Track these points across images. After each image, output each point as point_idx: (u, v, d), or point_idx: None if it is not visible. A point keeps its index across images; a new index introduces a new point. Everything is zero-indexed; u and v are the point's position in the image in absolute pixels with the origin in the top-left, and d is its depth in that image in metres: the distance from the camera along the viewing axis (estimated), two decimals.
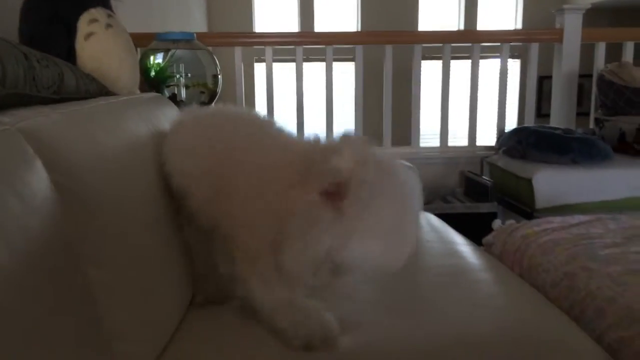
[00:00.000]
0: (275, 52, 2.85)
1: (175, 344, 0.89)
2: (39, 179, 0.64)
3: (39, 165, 0.65)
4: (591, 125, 3.06)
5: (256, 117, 1.04)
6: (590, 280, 1.06)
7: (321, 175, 0.77)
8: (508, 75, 2.97)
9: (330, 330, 0.87)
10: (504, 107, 3.00)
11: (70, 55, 1.31)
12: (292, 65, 2.89)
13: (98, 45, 1.33)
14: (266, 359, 0.86)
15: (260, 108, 5.30)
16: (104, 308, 0.70)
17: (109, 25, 1.37)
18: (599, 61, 2.92)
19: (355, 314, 0.99)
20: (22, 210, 0.59)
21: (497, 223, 1.51)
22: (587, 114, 3.23)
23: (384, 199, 0.77)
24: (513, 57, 5.20)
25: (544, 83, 5.01)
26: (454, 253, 1.31)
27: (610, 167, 2.37)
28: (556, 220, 1.41)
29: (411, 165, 1.91)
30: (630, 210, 2.41)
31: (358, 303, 1.04)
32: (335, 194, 0.76)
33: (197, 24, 4.75)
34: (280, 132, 0.98)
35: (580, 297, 1.05)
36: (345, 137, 0.83)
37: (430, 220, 1.65)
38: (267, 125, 1.00)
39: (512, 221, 1.46)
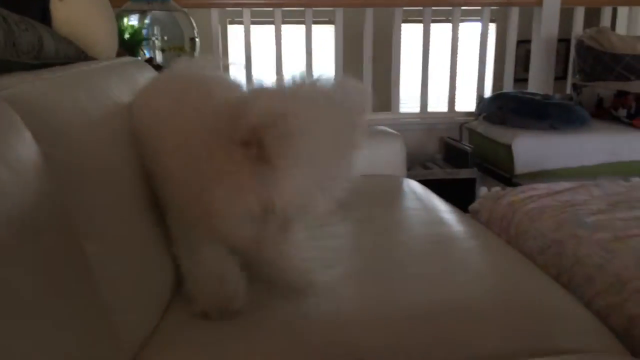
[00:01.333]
0: (252, 14, 2.77)
1: (169, 319, 0.87)
2: (28, 150, 0.61)
3: (28, 136, 0.61)
4: (568, 90, 3.08)
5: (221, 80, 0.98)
6: (579, 247, 1.08)
7: (234, 127, 0.73)
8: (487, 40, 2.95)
9: (231, 301, 0.84)
10: (484, 73, 2.99)
11: (45, 17, 1.24)
12: (269, 27, 2.82)
13: (74, 7, 1.26)
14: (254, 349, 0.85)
15: (236, 72, 5.20)
16: (100, 280, 0.68)
17: None
18: (578, 26, 2.92)
19: (339, 282, 0.98)
20: (15, 182, 0.55)
21: (483, 190, 1.52)
22: (563, 78, 3.25)
23: (308, 144, 0.72)
24: (490, 21, 5.17)
25: (518, 48, 5.02)
26: (441, 220, 1.32)
27: (588, 133, 2.40)
28: (541, 187, 1.42)
29: (396, 132, 1.91)
30: (608, 175, 2.45)
31: (342, 271, 1.04)
32: (253, 144, 0.71)
33: None
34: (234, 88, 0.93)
35: (569, 264, 1.07)
36: (256, 90, 0.81)
37: (414, 188, 1.65)
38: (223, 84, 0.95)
39: (497, 188, 1.47)
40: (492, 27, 5.55)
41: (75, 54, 1.13)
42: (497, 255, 1.12)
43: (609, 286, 0.96)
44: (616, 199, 1.32)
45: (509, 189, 1.46)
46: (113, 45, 1.36)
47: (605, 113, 2.54)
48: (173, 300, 0.90)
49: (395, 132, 1.90)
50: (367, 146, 1.87)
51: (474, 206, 1.48)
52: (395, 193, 1.61)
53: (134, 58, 1.42)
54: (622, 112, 2.44)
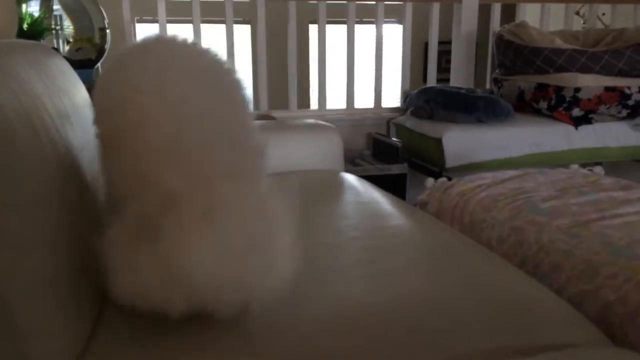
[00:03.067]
0: (169, 11, 2.59)
1: (98, 342, 0.72)
2: None
3: None
4: (487, 85, 3.15)
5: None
6: (541, 234, 1.04)
7: None
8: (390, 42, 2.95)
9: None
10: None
11: None
12: (184, 27, 2.64)
13: None
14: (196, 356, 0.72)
15: None
16: (13, 301, 0.53)
17: None
18: (495, 22, 2.99)
19: (304, 283, 0.88)
20: None
21: (429, 181, 1.46)
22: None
23: None
24: (399, 22, 5.27)
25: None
26: (391, 214, 1.24)
27: (512, 126, 2.44)
28: (488, 176, 1.39)
29: (331, 125, 1.82)
30: (533, 166, 2.51)
31: (305, 273, 0.93)
32: None
33: None
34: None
35: (532, 252, 1.02)
36: None
37: (354, 182, 1.57)
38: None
39: (444, 179, 1.42)
40: (400, 28, 5.71)
41: None
42: (457, 247, 1.05)
43: (580, 273, 0.91)
44: (562, 185, 1.30)
45: (455, 179, 1.42)
46: (13, 25, 1.17)
47: (527, 106, 2.60)
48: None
49: (329, 124, 1.81)
50: (302, 140, 1.77)
51: (421, 198, 1.42)
52: (336, 188, 1.52)
53: (39, 42, 1.23)
54: (543, 105, 2.50)
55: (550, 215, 1.09)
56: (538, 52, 2.50)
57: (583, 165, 1.75)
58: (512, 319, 0.81)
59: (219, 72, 0.84)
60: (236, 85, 0.84)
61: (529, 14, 3.14)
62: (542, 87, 2.51)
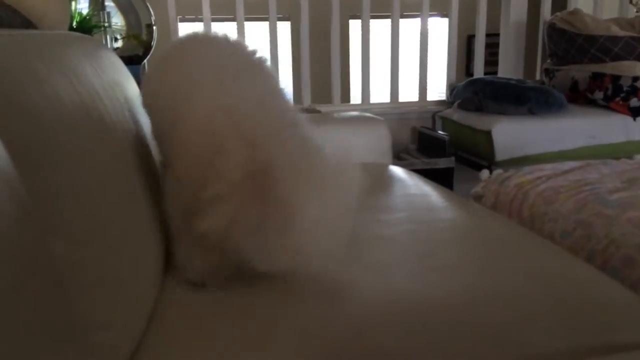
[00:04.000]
0: (212, 9, 2.59)
1: (153, 331, 0.70)
2: None
3: None
4: (537, 76, 3.04)
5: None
6: (611, 227, 0.97)
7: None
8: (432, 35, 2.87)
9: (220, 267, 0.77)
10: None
11: None
12: (228, 25, 2.64)
13: None
14: (252, 346, 0.70)
15: None
16: (74, 291, 0.51)
17: None
18: (546, 10, 2.88)
19: (355, 278, 0.84)
20: None
21: (485, 173, 1.41)
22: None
23: None
24: (444, 16, 5.16)
25: (471, 42, 5.00)
26: (448, 207, 1.19)
27: (565, 117, 2.35)
28: (547, 168, 1.32)
29: (379, 117, 1.78)
30: (588, 160, 2.41)
31: (362, 265, 0.90)
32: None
33: None
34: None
35: (602, 247, 0.96)
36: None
37: (403, 175, 1.52)
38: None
39: (500, 170, 1.36)
40: (442, 22, 5.60)
41: (20, 24, 0.95)
42: (520, 240, 1.00)
43: None
44: (628, 176, 1.23)
45: (512, 170, 1.36)
46: (65, 18, 1.17)
47: (581, 96, 2.49)
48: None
49: (377, 117, 1.77)
50: (350, 133, 1.72)
51: (476, 190, 1.36)
52: (386, 181, 1.48)
53: (90, 36, 1.23)
54: (599, 95, 2.40)
55: (620, 207, 1.02)
56: (593, 40, 2.39)
57: None
58: (585, 316, 0.76)
59: (258, 66, 0.87)
60: (274, 79, 0.87)
61: (581, 2, 3.02)
62: (597, 77, 2.41)
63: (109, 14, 2.01)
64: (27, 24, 0.99)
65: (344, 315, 0.74)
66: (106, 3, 1.95)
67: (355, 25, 5.42)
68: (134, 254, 0.69)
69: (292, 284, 0.82)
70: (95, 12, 1.97)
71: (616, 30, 2.39)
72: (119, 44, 1.99)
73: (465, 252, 0.93)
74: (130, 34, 2.06)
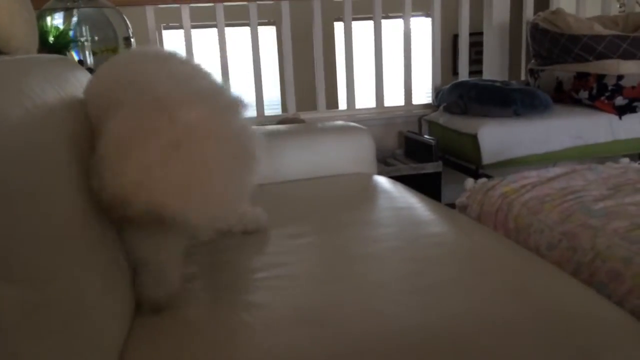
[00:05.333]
0: (194, 17, 2.56)
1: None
2: None
3: None
4: (523, 76, 3.03)
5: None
6: (596, 239, 0.95)
7: None
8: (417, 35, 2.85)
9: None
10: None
11: None
12: (208, 31, 2.60)
13: None
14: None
15: None
16: (20, 339, 0.48)
17: None
18: (528, 10, 2.87)
19: (344, 299, 0.82)
20: None
21: (469, 183, 1.38)
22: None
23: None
24: (427, 15, 5.14)
25: (457, 41, 4.97)
26: (431, 220, 1.17)
27: (551, 118, 2.33)
28: (532, 175, 1.30)
29: (362, 126, 1.76)
30: (574, 160, 2.40)
31: (345, 287, 0.87)
32: None
33: None
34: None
35: (588, 259, 0.94)
36: None
37: (387, 186, 1.50)
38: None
39: (484, 179, 1.34)
40: (427, 22, 5.58)
41: None
42: (506, 256, 0.97)
43: None
44: (614, 182, 1.21)
45: (496, 179, 1.34)
46: (32, 39, 1.14)
47: (566, 96, 2.48)
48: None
49: (359, 125, 1.75)
50: (332, 143, 1.70)
51: (461, 200, 1.34)
52: (370, 193, 1.45)
53: (59, 55, 1.20)
54: (584, 94, 2.39)
55: (605, 217, 1.00)
56: (576, 40, 2.38)
57: (629, 158, 1.64)
58: (571, 336, 0.74)
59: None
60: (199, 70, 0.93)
61: (563, 2, 3.01)
62: (582, 76, 2.40)
63: (86, 28, 1.97)
64: None
65: (322, 341, 0.72)
66: (81, 17, 1.91)
67: (340, 28, 5.39)
68: (97, 291, 0.66)
69: (268, 308, 0.80)
70: (71, 28, 1.94)
71: (599, 29, 2.38)
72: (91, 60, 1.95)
73: (452, 271, 0.90)
74: (108, 48, 2.02)
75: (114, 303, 0.70)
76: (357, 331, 0.74)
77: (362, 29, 4.33)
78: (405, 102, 2.87)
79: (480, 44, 3.03)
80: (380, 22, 2.74)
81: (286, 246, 1.04)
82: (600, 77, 2.34)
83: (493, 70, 2.92)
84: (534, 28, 2.56)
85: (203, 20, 3.15)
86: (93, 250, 0.67)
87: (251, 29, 2.61)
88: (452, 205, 1.52)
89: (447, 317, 0.77)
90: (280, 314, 0.78)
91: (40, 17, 1.88)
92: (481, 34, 3.00)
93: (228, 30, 2.62)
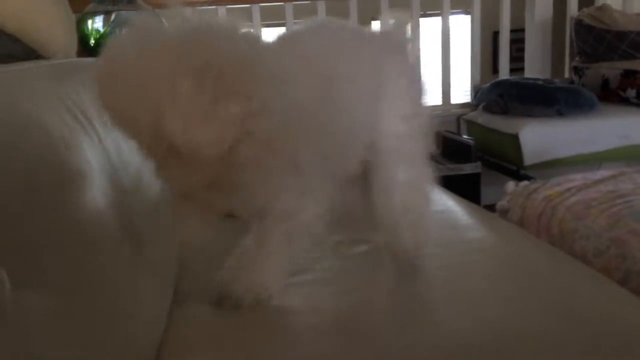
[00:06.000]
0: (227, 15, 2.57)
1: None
2: None
3: None
4: (566, 74, 2.94)
5: None
6: None
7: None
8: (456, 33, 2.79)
9: None
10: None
11: None
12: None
13: (20, 1, 1.06)
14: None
15: None
16: (46, 346, 0.48)
17: None
18: (572, 6, 2.77)
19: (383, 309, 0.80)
20: None
21: (510, 186, 1.34)
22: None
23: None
24: (466, 12, 5.03)
25: (497, 38, 4.85)
26: (471, 225, 1.13)
27: (597, 117, 2.25)
28: (577, 178, 1.25)
29: None
30: (621, 161, 2.30)
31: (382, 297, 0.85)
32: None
33: None
34: None
35: (638, 267, 0.89)
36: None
37: None
38: None
39: (526, 182, 1.29)
40: (467, 19, 5.47)
41: (22, 52, 0.93)
42: (549, 264, 0.93)
43: None
44: None
45: (539, 181, 1.29)
46: (71, 43, 1.15)
47: (612, 95, 2.39)
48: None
49: None
50: None
51: (502, 204, 1.30)
52: None
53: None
54: (631, 93, 2.29)
55: None
56: (623, 36, 2.28)
57: None
58: (620, 351, 0.70)
59: None
60: None
61: None
62: (629, 74, 2.30)
63: (125, 30, 2.00)
64: (29, 52, 0.98)
65: (352, 351, 0.70)
66: (120, 20, 1.94)
67: (377, 27, 5.33)
68: (130, 296, 0.66)
69: (299, 315, 0.78)
70: (112, 30, 1.97)
71: None
72: None
73: (490, 279, 0.86)
74: None
75: (145, 310, 0.70)
76: (387, 342, 0.72)
77: None
78: (443, 101, 2.82)
79: (522, 40, 2.94)
80: (418, 21, 2.69)
81: (316, 251, 1.03)
82: None
83: (535, 68, 2.84)
84: (579, 24, 2.48)
85: (240, 20, 3.16)
86: (122, 257, 0.67)
87: (287, 29, 2.60)
88: (492, 208, 1.47)
89: (482, 329, 0.74)
90: (310, 322, 0.76)
91: (81, 21, 1.91)
92: (523, 30, 2.91)
93: (266, 31, 2.62)
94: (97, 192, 0.65)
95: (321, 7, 2.59)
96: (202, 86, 0.57)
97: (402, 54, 0.90)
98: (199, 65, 0.58)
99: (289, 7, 2.57)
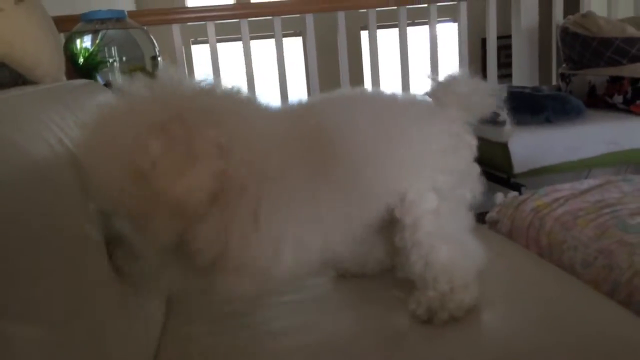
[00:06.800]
0: (217, 31, 2.58)
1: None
2: None
3: None
4: (554, 81, 2.96)
5: None
6: (634, 256, 0.91)
7: None
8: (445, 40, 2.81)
9: None
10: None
11: None
12: (236, 45, 2.62)
13: (7, 24, 1.06)
14: None
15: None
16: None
17: (19, 0, 1.10)
18: (558, 14, 2.80)
19: (375, 326, 0.80)
20: None
21: (499, 197, 1.35)
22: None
23: None
24: (454, 20, 5.07)
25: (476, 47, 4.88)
26: None
27: (584, 124, 2.26)
28: (565, 188, 1.26)
29: None
30: (610, 166, 2.32)
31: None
32: None
33: (125, 2, 4.37)
34: None
35: (625, 279, 0.90)
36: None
37: None
38: None
39: (515, 193, 1.30)
40: (454, 27, 5.51)
41: (8, 78, 0.93)
42: (538, 276, 0.94)
43: None
44: None
45: (527, 192, 1.30)
46: (59, 66, 1.16)
47: (599, 101, 2.41)
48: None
49: None
50: None
51: (491, 216, 1.30)
52: None
53: (86, 80, 1.21)
54: (618, 99, 2.31)
55: None
56: (608, 43, 2.31)
57: None
58: None
59: None
60: None
61: (594, 3, 2.93)
62: (615, 80, 2.32)
63: (114, 49, 2.01)
64: (17, 77, 0.98)
65: None
66: (108, 39, 1.94)
67: (367, 36, 5.38)
68: (118, 327, 0.66)
69: (291, 336, 0.78)
70: (100, 49, 1.97)
71: (632, 31, 2.30)
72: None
73: (481, 292, 0.87)
74: (135, 67, 2.05)
75: (135, 339, 0.70)
76: None
77: (389, 36, 4.30)
78: None
79: (510, 47, 2.97)
80: (405, 33, 2.71)
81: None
82: (635, 81, 2.26)
83: (523, 74, 2.86)
84: (564, 32, 2.50)
85: (230, 33, 3.17)
86: (113, 287, 0.67)
87: (276, 43, 2.61)
88: (483, 215, 1.48)
89: (472, 345, 0.74)
90: (302, 342, 0.76)
91: (70, 40, 1.92)
92: (510, 37, 2.94)
93: (256, 42, 2.63)
94: (83, 218, 0.65)
95: (309, 19, 2.61)
96: (173, 140, 0.58)
97: (435, 121, 0.84)
98: (163, 120, 0.59)
99: (277, 21, 2.58)
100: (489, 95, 0.87)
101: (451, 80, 0.88)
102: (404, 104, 0.87)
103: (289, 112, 0.80)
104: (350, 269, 0.95)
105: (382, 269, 0.95)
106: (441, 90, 0.87)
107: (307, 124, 0.75)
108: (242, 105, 0.69)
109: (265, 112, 0.74)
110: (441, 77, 0.89)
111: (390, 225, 0.83)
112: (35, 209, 0.57)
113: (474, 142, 0.86)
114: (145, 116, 0.60)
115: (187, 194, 0.58)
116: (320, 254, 0.71)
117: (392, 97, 0.88)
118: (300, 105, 0.82)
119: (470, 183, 0.85)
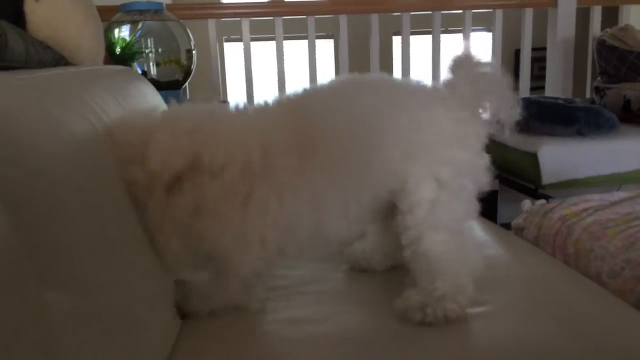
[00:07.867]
0: (250, 30, 2.60)
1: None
2: None
3: None
4: (588, 94, 2.92)
5: None
6: None
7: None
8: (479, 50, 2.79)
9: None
10: None
11: (19, 19, 1.07)
12: (268, 44, 2.63)
13: (52, 8, 1.09)
14: None
15: (235, 92, 5.04)
16: (72, 347, 0.49)
17: None
18: (595, 26, 2.76)
19: (393, 325, 0.80)
20: None
21: (526, 204, 1.34)
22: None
23: None
24: (488, 30, 5.02)
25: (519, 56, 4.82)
26: (486, 242, 1.13)
27: (617, 138, 2.22)
28: (594, 198, 1.24)
29: None
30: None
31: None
32: None
33: None
34: None
35: None
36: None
37: None
38: None
39: (542, 201, 1.29)
40: (489, 36, 5.46)
41: (52, 59, 0.96)
42: (563, 283, 0.93)
43: None
44: None
45: (555, 201, 1.28)
46: (99, 50, 1.19)
47: (634, 116, 2.37)
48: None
49: None
50: None
51: (517, 222, 1.29)
52: None
53: (124, 67, 1.24)
54: None
55: None
56: None
57: None
58: None
59: None
60: None
61: (633, 17, 2.88)
62: None
63: (150, 40, 2.05)
64: (59, 59, 1.01)
65: None
66: (146, 30, 1.98)
67: (399, 42, 5.37)
68: (147, 301, 0.67)
69: (312, 323, 0.79)
70: (137, 39, 2.01)
71: None
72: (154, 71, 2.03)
73: (502, 298, 0.86)
74: (170, 59, 2.09)
75: (163, 312, 0.71)
76: (388, 355, 0.72)
77: (421, 43, 4.30)
78: None
79: (544, 59, 2.93)
80: (439, 38, 2.71)
81: (331, 260, 1.03)
82: None
83: (556, 87, 2.82)
84: (601, 44, 2.47)
85: (264, 33, 3.20)
86: (143, 261, 0.69)
87: (309, 43, 2.63)
88: (508, 226, 1.47)
89: (494, 345, 0.74)
90: (322, 332, 0.77)
91: (108, 29, 1.96)
92: (545, 49, 2.90)
93: (289, 43, 2.64)
94: (119, 194, 0.67)
95: (342, 20, 2.61)
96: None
97: (439, 107, 0.82)
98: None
99: (310, 20, 2.60)
100: (507, 87, 0.86)
101: (465, 60, 0.85)
102: (407, 90, 0.86)
103: (284, 104, 0.84)
104: (359, 262, 0.96)
105: (391, 265, 0.95)
106: (455, 67, 0.86)
107: (301, 112, 0.80)
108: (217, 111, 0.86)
109: (245, 114, 0.84)
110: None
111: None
112: (74, 184, 0.58)
113: (483, 131, 0.86)
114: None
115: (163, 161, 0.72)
116: (310, 236, 0.78)
117: (395, 83, 0.89)
118: (301, 94, 0.85)
119: (474, 174, 0.84)
